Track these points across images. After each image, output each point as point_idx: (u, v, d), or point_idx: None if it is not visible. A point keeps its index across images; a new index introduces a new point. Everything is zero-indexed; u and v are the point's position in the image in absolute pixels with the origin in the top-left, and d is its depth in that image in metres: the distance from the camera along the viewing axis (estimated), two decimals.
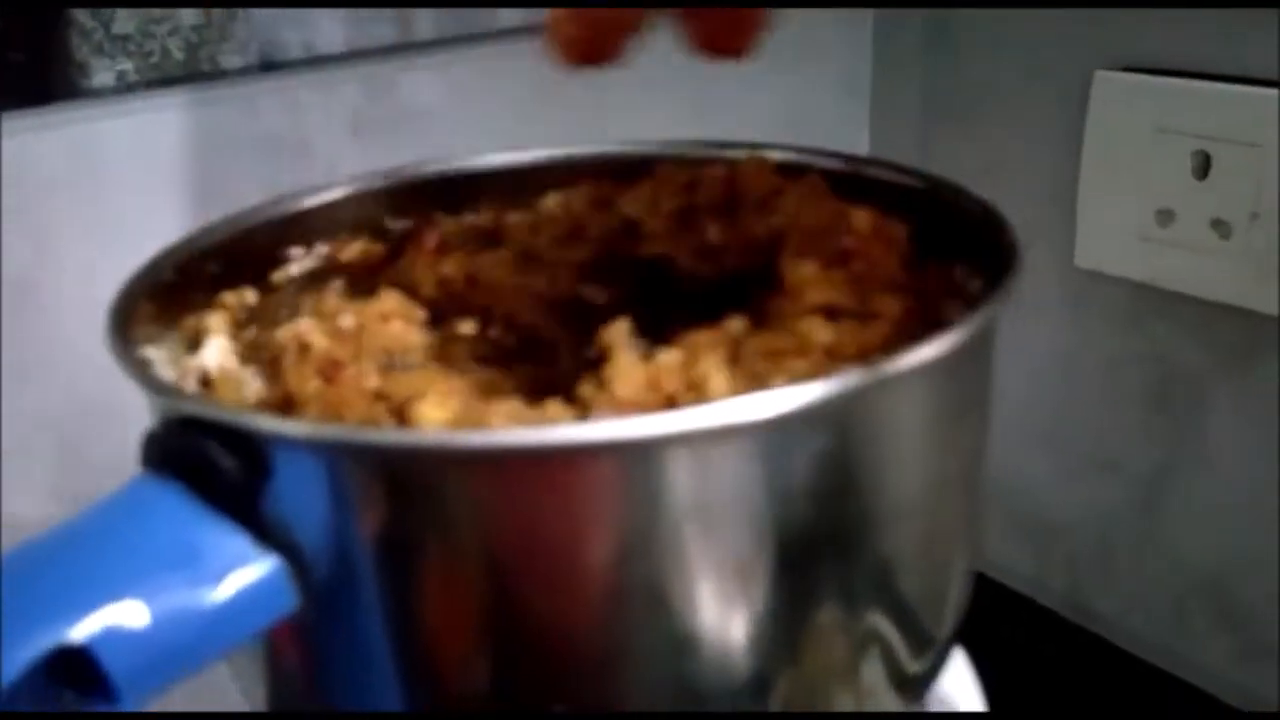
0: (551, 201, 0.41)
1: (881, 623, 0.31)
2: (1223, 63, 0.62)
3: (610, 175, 0.41)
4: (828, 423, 0.27)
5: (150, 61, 0.58)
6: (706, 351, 0.28)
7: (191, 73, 0.59)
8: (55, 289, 0.54)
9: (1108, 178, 0.67)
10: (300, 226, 0.39)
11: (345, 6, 0.63)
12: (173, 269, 0.35)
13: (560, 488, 0.26)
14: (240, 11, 0.60)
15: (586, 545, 0.26)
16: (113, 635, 0.25)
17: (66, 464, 0.54)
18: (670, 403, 0.28)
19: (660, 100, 0.67)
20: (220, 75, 0.60)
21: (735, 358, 0.29)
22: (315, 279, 0.39)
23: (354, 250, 0.39)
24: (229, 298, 0.37)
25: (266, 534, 0.27)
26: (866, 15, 0.80)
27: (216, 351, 0.34)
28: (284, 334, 0.32)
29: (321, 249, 0.39)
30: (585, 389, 0.28)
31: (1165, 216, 0.64)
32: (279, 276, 0.39)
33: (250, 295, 0.37)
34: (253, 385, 0.32)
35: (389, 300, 0.34)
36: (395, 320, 0.33)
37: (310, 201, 0.40)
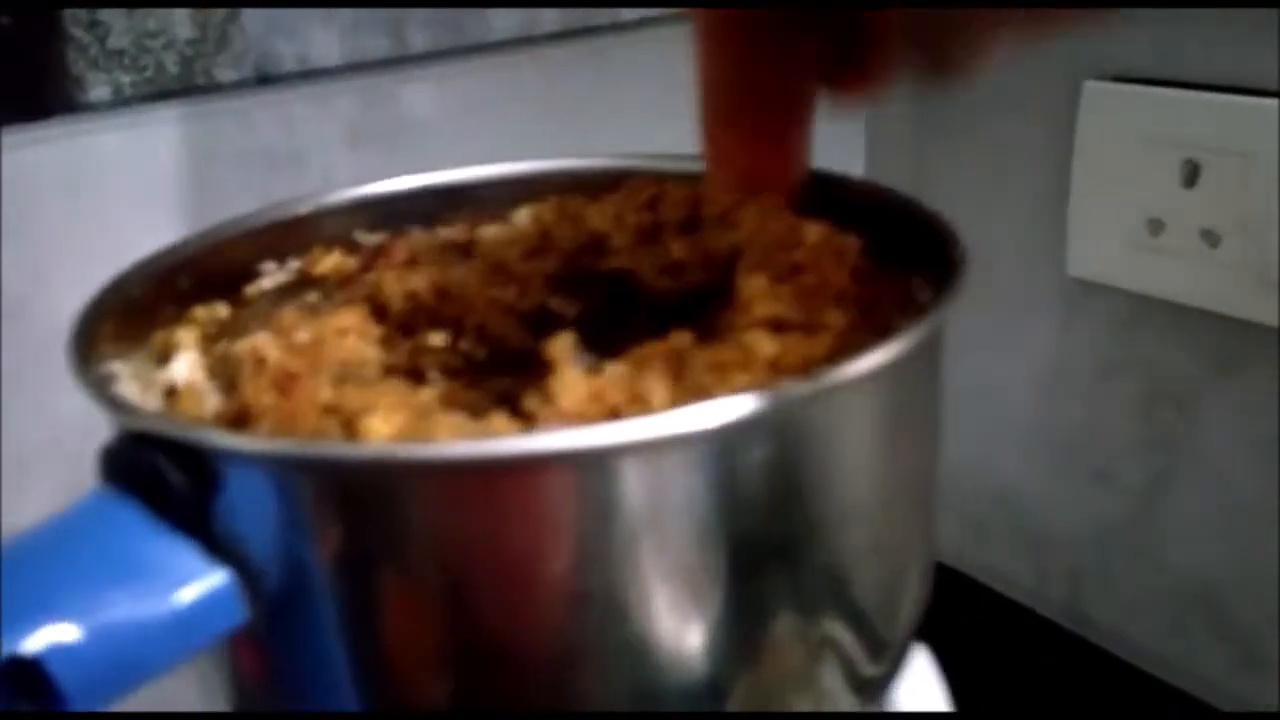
0: (523, 215, 0.42)
1: (836, 628, 0.31)
2: (1210, 73, 0.62)
3: (583, 188, 0.42)
4: (770, 433, 0.27)
5: (145, 75, 0.59)
6: (652, 364, 0.29)
7: (187, 86, 0.60)
8: (52, 302, 0.54)
9: (1098, 188, 0.67)
10: (273, 241, 0.40)
11: (355, 7, 0.64)
12: (141, 284, 0.35)
13: (501, 498, 0.26)
14: (235, 25, 0.61)
15: (529, 555, 0.27)
16: (61, 647, 0.25)
17: (67, 479, 0.55)
18: (614, 415, 0.28)
19: (654, 114, 0.67)
20: (215, 89, 0.61)
21: (680, 371, 0.29)
22: (287, 293, 0.40)
23: (326, 264, 0.40)
24: (200, 312, 0.37)
25: (217, 547, 0.27)
26: None
27: (185, 366, 0.35)
28: (241, 347, 0.32)
29: (294, 263, 0.40)
30: (530, 401, 0.28)
31: (1155, 226, 0.64)
32: (251, 290, 0.39)
33: (222, 310, 0.38)
34: (213, 399, 0.32)
35: (347, 316, 0.34)
36: (353, 335, 0.33)
37: (283, 215, 0.40)
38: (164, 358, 0.35)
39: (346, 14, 0.64)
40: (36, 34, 0.56)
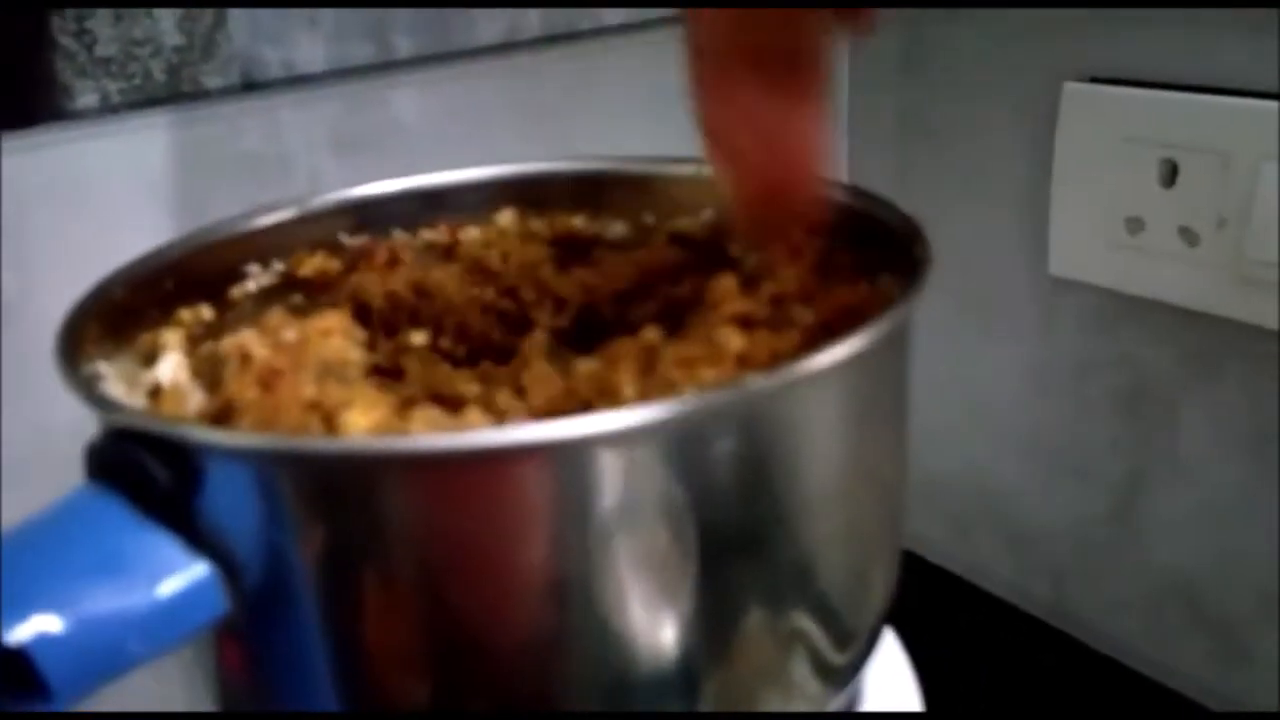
0: (505, 218, 0.42)
1: (804, 617, 0.31)
2: (1188, 73, 0.62)
3: (567, 192, 0.42)
4: (736, 425, 0.28)
5: (133, 83, 0.59)
6: (622, 360, 0.29)
7: (174, 93, 0.60)
8: (43, 308, 0.55)
9: (1078, 187, 0.68)
10: (258, 243, 0.40)
11: (340, 8, 0.64)
12: (127, 287, 0.36)
13: (476, 489, 0.27)
14: (222, 32, 0.61)
15: (504, 544, 0.27)
16: (46, 638, 0.26)
17: (58, 483, 0.55)
18: (585, 409, 0.29)
19: (636, 118, 0.68)
20: (202, 95, 0.61)
21: (650, 366, 0.30)
22: (272, 295, 0.40)
23: (311, 266, 0.41)
24: (185, 314, 0.38)
25: (200, 540, 0.28)
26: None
27: (170, 366, 0.35)
28: (227, 344, 0.33)
29: (278, 265, 0.40)
30: (502, 397, 0.29)
31: (1134, 224, 0.65)
32: (236, 292, 0.40)
33: (207, 311, 0.38)
34: (196, 398, 0.33)
35: (331, 317, 0.35)
36: (337, 335, 0.34)
37: (267, 219, 0.41)
38: (150, 359, 0.36)
39: (331, 21, 0.64)
40: (24, 42, 0.56)
